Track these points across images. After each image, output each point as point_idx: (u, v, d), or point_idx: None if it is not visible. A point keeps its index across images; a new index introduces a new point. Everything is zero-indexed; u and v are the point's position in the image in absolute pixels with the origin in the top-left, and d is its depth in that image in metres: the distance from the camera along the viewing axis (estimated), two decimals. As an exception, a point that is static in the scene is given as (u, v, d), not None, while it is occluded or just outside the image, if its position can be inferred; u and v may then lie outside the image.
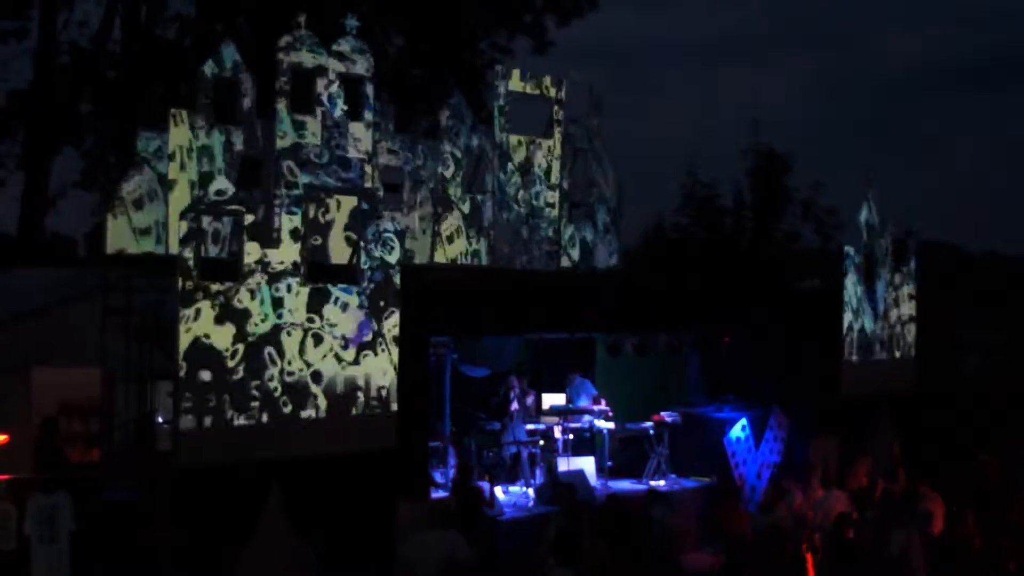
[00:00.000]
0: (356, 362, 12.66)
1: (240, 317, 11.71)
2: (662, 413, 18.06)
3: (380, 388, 12.84)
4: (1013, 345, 28.90)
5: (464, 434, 16.92)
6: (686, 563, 13.90)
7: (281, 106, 12.28)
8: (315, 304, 12.30)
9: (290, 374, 12.11)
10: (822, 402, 18.02)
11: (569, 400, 18.18)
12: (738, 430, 17.84)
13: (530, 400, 17.74)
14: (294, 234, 12.17)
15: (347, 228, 12.68)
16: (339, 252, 12.63)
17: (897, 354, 19.83)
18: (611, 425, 17.91)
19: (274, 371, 11.98)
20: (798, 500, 15.18)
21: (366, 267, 12.79)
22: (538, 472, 16.86)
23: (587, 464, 17.10)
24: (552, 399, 18.20)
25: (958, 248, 44.54)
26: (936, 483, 15.16)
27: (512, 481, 16.94)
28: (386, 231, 13.05)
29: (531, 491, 16.37)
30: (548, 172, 15.81)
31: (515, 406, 17.21)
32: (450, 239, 14.75)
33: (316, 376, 12.31)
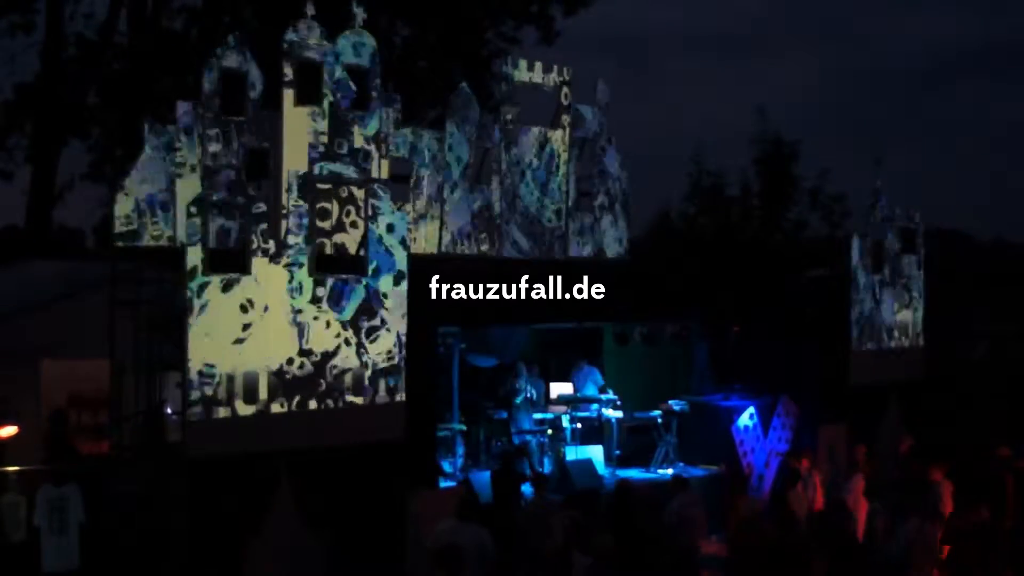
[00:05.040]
0: (364, 352, 12.69)
1: (248, 308, 11.73)
2: (670, 402, 18.05)
3: (388, 378, 12.87)
4: (1021, 333, 28.86)
5: (472, 424, 16.96)
6: (693, 550, 13.90)
7: (287, 97, 12.28)
8: (323, 295, 12.33)
9: (299, 365, 12.14)
10: (830, 390, 18.01)
11: (575, 387, 18.18)
12: (746, 418, 17.84)
13: (539, 388, 17.79)
14: (301, 225, 12.19)
15: (354, 219, 12.69)
16: (346, 242, 12.63)
17: (905, 342, 19.81)
18: (619, 414, 17.93)
19: (283, 362, 12.01)
20: (813, 486, 15.18)
21: (373, 257, 12.81)
22: (546, 461, 16.89)
23: (595, 453, 17.12)
24: (560, 388, 18.23)
25: (966, 235, 44.48)
26: (946, 471, 15.12)
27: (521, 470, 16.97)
28: (393, 222, 13.07)
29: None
30: (555, 162, 15.80)
31: (524, 394, 17.22)
32: (456, 229, 14.75)
33: (324, 367, 12.34)
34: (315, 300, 12.28)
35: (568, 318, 16.12)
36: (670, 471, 17.34)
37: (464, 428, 16.66)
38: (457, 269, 14.16)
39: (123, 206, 12.13)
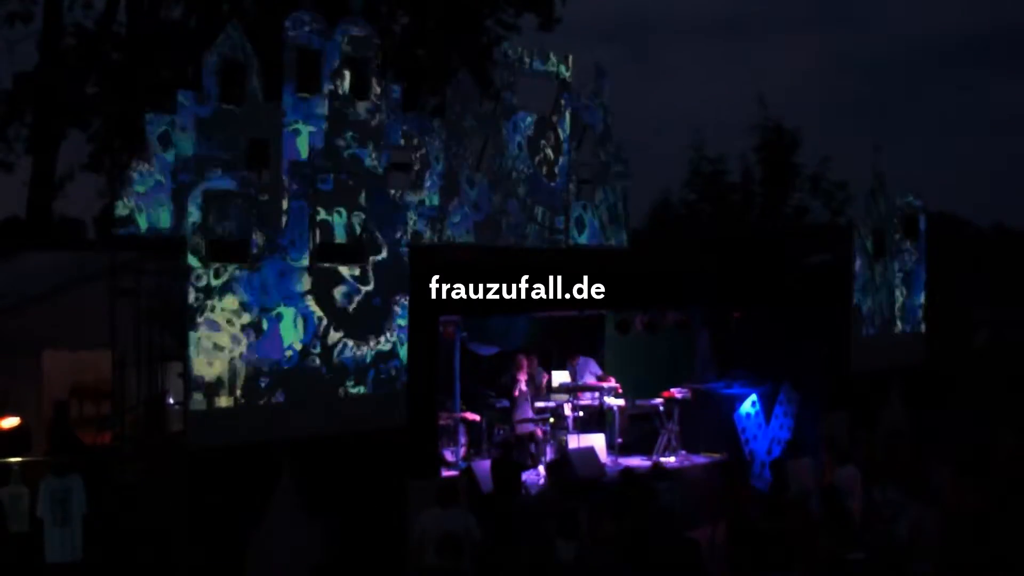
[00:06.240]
0: (365, 341, 12.68)
1: (249, 298, 11.72)
2: (672, 389, 18.06)
3: (389, 367, 12.87)
4: (1022, 319, 28.89)
5: (474, 412, 16.97)
6: (695, 538, 13.88)
7: (287, 86, 12.25)
8: (323, 284, 12.32)
9: (300, 354, 12.13)
10: (832, 377, 18.00)
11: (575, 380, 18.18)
12: (748, 406, 17.85)
13: (543, 379, 17.78)
14: (301, 214, 12.17)
15: (354, 207, 12.68)
16: (346, 231, 12.62)
17: (907, 328, 19.81)
18: (621, 402, 17.94)
19: (283, 351, 12.01)
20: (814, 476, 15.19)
21: (374, 246, 12.79)
22: (548, 450, 16.89)
23: (597, 441, 17.12)
24: (561, 377, 18.23)
25: (967, 221, 44.42)
26: (946, 457, 15.13)
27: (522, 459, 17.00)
28: (393, 211, 13.05)
29: (541, 468, 16.41)
30: (555, 149, 15.78)
31: (523, 387, 17.21)
32: (456, 218, 14.72)
33: (325, 355, 12.34)
34: (316, 289, 12.27)
35: (569, 306, 16.11)
36: (672, 459, 17.36)
37: (479, 416, 16.73)
38: (457, 267, 14.07)
39: (123, 196, 12.10)
